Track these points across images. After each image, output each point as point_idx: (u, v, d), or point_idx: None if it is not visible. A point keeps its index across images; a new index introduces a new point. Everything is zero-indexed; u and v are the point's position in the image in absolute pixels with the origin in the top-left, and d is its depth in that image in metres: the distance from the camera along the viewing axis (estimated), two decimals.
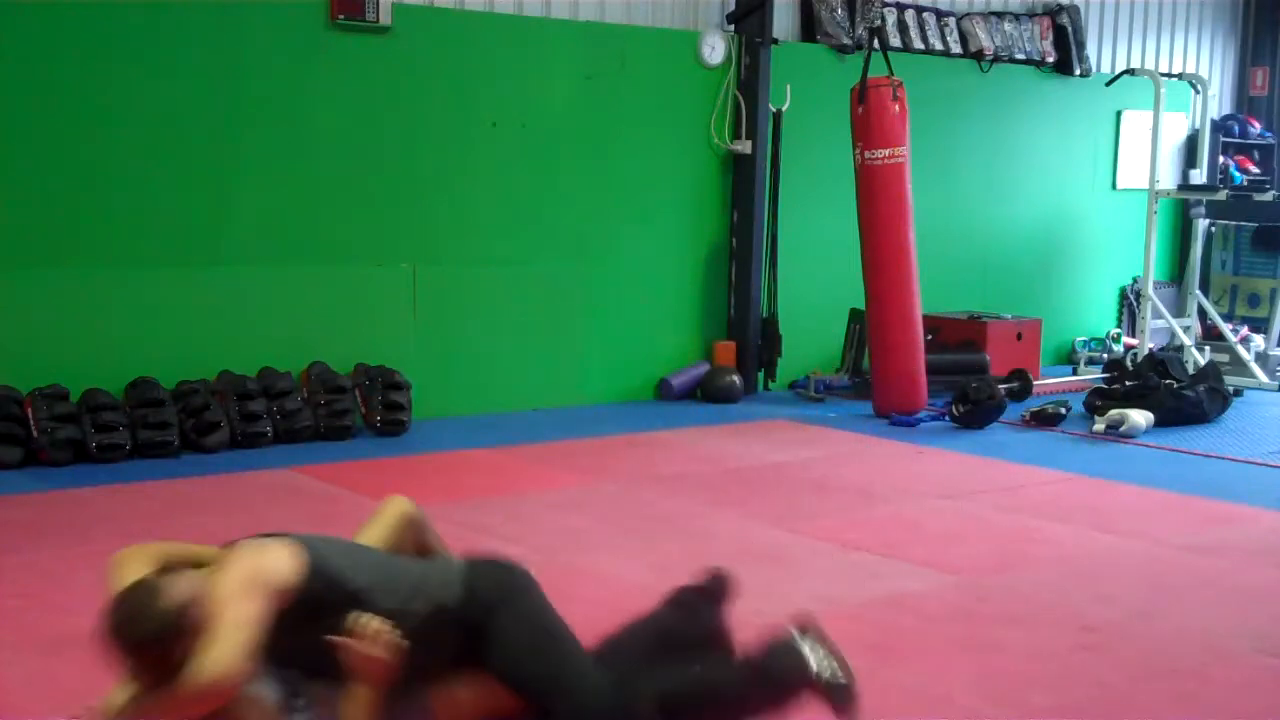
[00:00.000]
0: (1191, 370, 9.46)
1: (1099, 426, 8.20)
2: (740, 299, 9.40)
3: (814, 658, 3.40)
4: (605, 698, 3.25)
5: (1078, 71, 11.13)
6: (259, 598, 2.90)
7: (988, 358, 9.42)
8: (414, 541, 3.53)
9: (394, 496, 3.56)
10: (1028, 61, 10.88)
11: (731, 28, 9.30)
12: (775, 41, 9.30)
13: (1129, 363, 9.64)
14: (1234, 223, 11.28)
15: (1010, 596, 4.95)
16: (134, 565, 3.02)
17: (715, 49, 9.21)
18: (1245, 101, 12.95)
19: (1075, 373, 10.67)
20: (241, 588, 2.89)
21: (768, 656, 3.43)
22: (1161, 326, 10.41)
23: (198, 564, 3.08)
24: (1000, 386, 8.64)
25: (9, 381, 6.85)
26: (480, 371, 8.43)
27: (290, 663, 3.05)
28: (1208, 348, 10.36)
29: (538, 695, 3.25)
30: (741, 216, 9.36)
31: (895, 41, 9.92)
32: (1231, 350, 10.28)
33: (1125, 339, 11.16)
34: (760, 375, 9.50)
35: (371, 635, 2.96)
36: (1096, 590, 5.04)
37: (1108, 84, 10.86)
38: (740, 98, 9.29)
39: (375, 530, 3.47)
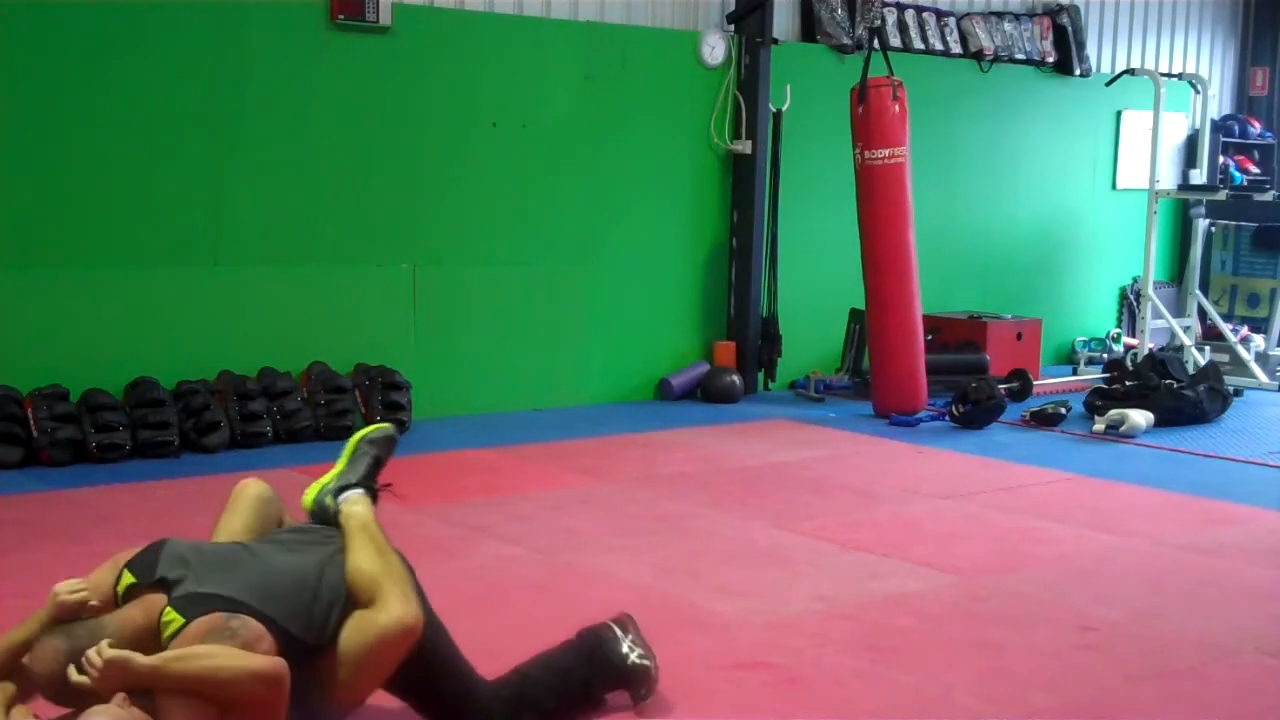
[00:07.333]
0: (1191, 370, 9.46)
1: (1099, 426, 8.19)
2: (740, 299, 9.40)
3: (627, 642, 3.74)
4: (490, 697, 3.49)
5: (1078, 71, 11.13)
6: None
7: (988, 358, 9.43)
8: (275, 518, 3.69)
9: (245, 481, 3.73)
10: (1028, 61, 10.88)
11: (731, 28, 9.30)
12: (775, 41, 9.30)
13: (1129, 363, 9.63)
14: (1234, 223, 11.27)
15: (1010, 596, 4.95)
16: None
17: (715, 49, 9.21)
18: (1245, 101, 12.94)
19: (1075, 373, 10.67)
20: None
21: (591, 642, 3.73)
22: (1161, 326, 10.40)
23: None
24: (1000, 386, 8.63)
25: (9, 381, 6.84)
26: (480, 371, 8.43)
27: None
28: (1208, 348, 10.35)
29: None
30: (741, 216, 9.36)
31: (895, 41, 9.92)
32: (1231, 350, 10.28)
33: (1125, 339, 11.16)
34: (760, 375, 9.49)
35: (93, 659, 2.93)
36: (1096, 590, 5.04)
37: (1108, 84, 10.86)
38: (740, 98, 9.28)
39: (237, 519, 3.62)
